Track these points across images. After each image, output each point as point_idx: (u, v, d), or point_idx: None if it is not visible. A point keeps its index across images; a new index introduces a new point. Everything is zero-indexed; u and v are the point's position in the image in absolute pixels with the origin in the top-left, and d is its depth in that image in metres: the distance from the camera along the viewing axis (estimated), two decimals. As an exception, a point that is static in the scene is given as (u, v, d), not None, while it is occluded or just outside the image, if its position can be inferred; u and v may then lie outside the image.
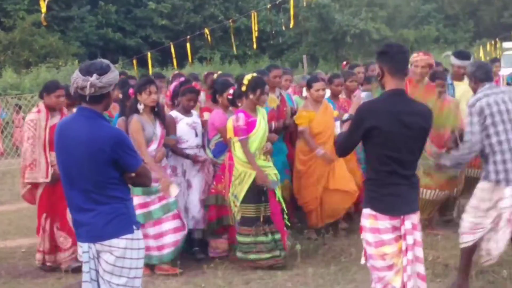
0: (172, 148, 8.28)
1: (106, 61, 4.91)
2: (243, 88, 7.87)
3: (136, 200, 7.34)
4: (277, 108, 9.17)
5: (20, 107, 21.58)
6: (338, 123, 8.77)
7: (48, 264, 8.18)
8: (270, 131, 8.51)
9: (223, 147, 8.40)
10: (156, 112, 7.97)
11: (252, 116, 7.86)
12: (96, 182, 4.77)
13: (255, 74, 8.14)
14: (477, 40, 46.02)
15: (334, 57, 42.84)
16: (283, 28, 24.17)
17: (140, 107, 7.79)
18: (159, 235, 7.83)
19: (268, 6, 30.34)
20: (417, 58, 8.78)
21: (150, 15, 42.12)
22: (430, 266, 7.63)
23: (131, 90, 7.93)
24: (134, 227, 4.90)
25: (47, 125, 8.05)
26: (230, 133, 7.92)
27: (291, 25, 21.79)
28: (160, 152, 7.91)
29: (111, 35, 40.48)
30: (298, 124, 9.02)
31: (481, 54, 32.75)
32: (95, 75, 4.71)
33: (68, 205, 5.01)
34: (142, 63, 27.38)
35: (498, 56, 31.57)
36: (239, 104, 8.17)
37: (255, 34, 21.24)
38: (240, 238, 7.92)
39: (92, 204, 4.79)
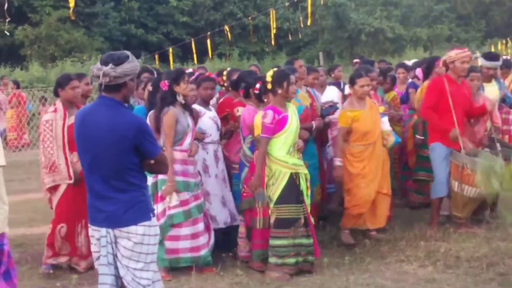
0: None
1: (126, 52, 4.91)
2: (269, 86, 7.37)
3: (177, 197, 7.31)
4: (310, 106, 8.73)
5: (46, 100, 21.67)
6: (385, 118, 8.62)
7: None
8: (310, 132, 8.31)
9: None
10: (185, 104, 7.49)
11: (283, 112, 7.29)
12: (116, 169, 4.81)
13: (275, 68, 7.67)
14: (488, 40, 45.74)
15: (349, 54, 42.62)
16: (301, 25, 24.10)
17: (180, 98, 7.36)
18: (196, 235, 7.43)
19: (287, 4, 30.32)
20: (462, 54, 8.52)
21: (172, 12, 42.11)
22: (442, 257, 7.63)
23: (163, 84, 7.40)
24: (151, 214, 4.96)
25: (65, 124, 7.52)
26: (258, 130, 7.40)
27: (309, 23, 21.75)
28: (195, 145, 7.55)
29: (133, 31, 40.49)
30: (340, 124, 8.37)
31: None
32: (110, 65, 4.75)
33: (88, 191, 5.01)
34: (163, 59, 27.44)
35: (509, 56, 31.43)
36: (265, 100, 7.65)
37: (273, 32, 21.24)
38: (274, 242, 7.27)
39: (111, 192, 4.84)
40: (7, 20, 19.07)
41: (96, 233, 4.95)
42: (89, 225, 5.06)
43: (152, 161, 4.97)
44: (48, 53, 35.76)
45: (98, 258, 4.98)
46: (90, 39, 37.42)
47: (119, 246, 4.90)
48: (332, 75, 12.12)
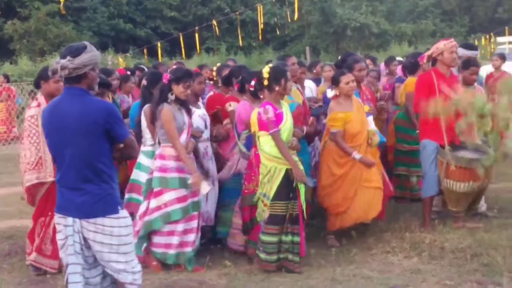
0: None
1: (84, 43, 4.95)
2: (265, 82, 7.13)
3: (174, 194, 7.16)
4: (303, 104, 8.58)
5: (35, 93, 21.60)
6: (370, 118, 8.45)
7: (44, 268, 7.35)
8: (304, 132, 8.14)
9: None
10: (181, 101, 7.30)
11: (278, 109, 7.12)
12: (87, 157, 4.84)
13: (271, 65, 7.41)
14: (472, 35, 45.83)
15: (335, 49, 42.62)
16: (289, 20, 24.19)
17: (171, 97, 7.18)
18: (186, 232, 7.28)
19: (273, -1, 30.33)
20: (450, 44, 8.38)
21: (160, 7, 42.07)
22: (427, 248, 7.66)
23: (166, 76, 7.25)
24: (119, 207, 5.00)
25: None
26: (254, 127, 7.24)
27: (296, 17, 21.74)
28: (191, 142, 7.33)
29: (122, 25, 40.39)
30: (331, 127, 8.08)
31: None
32: (68, 57, 4.79)
33: (57, 181, 5.03)
34: (152, 53, 27.42)
35: (492, 50, 31.49)
36: (261, 96, 7.41)
37: (261, 26, 21.23)
38: (265, 238, 7.17)
39: (81, 182, 4.87)
40: (-2, 14, 19.03)
41: (63, 220, 4.97)
42: (55, 212, 5.07)
43: (122, 145, 5.01)
44: (37, 48, 35.63)
45: (62, 246, 5.01)
46: (79, 34, 37.26)
47: (88, 239, 4.94)
48: (314, 71, 12.06)
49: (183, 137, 7.22)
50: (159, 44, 22.58)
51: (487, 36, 33.61)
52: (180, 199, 7.18)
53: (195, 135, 7.60)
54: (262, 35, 23.38)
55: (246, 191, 7.65)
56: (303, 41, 43.81)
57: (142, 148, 7.72)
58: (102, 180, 4.91)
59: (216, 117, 8.44)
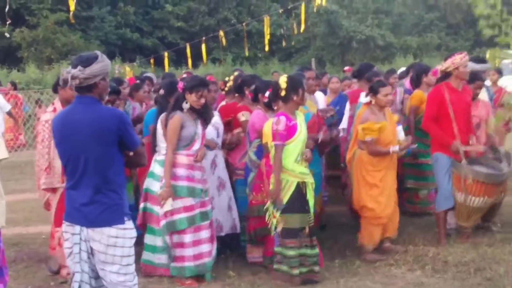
0: None
1: (96, 53, 4.95)
2: (283, 93, 7.04)
3: (180, 202, 7.08)
4: (316, 113, 8.62)
5: (42, 101, 21.65)
6: (399, 127, 8.34)
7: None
8: (317, 143, 8.15)
9: None
10: (200, 111, 7.21)
11: (293, 119, 7.03)
12: (98, 165, 4.84)
13: (287, 75, 7.38)
14: (477, 49, 45.88)
15: (341, 61, 42.64)
16: (295, 32, 24.16)
17: (186, 106, 7.12)
18: (198, 242, 7.17)
19: (280, 11, 30.31)
20: (465, 58, 8.30)
21: (167, 17, 42.10)
22: (430, 262, 7.64)
23: (180, 85, 7.20)
24: (125, 218, 4.97)
25: None
26: (267, 138, 7.16)
27: (302, 29, 21.75)
28: (202, 151, 7.23)
29: (129, 35, 40.44)
30: (366, 135, 7.86)
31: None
32: (79, 67, 4.79)
33: (67, 189, 5.04)
34: (158, 63, 27.44)
35: (497, 65, 31.49)
36: (275, 108, 7.44)
37: (267, 38, 21.23)
38: (285, 252, 7.03)
39: (91, 191, 4.86)
40: (8, 22, 19.04)
41: (70, 228, 4.97)
42: (64, 220, 5.07)
43: (132, 153, 5.02)
44: (45, 56, 35.68)
45: (69, 254, 5.00)
46: (86, 42, 37.32)
47: (93, 248, 4.93)
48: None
49: (196, 146, 7.17)
50: (166, 54, 22.59)
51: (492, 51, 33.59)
52: (187, 208, 7.09)
53: (210, 146, 7.64)
54: (268, 46, 23.35)
55: (254, 202, 7.61)
56: (309, 52, 43.81)
57: (156, 156, 7.62)
58: (112, 189, 4.91)
59: (228, 126, 8.37)
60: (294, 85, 7.07)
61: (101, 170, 4.86)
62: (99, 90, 4.94)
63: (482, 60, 9.95)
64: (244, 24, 29.64)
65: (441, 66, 8.53)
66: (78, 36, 37.32)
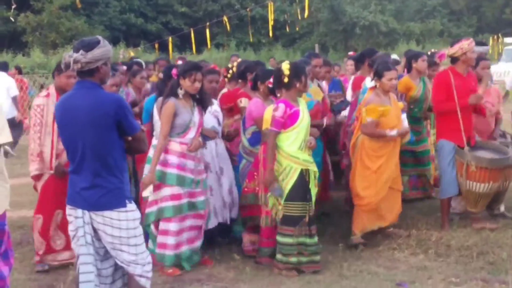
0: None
1: (97, 38, 4.97)
2: (285, 79, 6.84)
3: (169, 190, 6.87)
4: (322, 101, 8.35)
5: (47, 86, 21.65)
6: (404, 115, 8.14)
7: (50, 263, 7.21)
8: (321, 128, 7.98)
9: (260, 137, 7.29)
10: (198, 98, 7.01)
11: (295, 106, 6.84)
12: (98, 148, 4.88)
13: (290, 61, 7.17)
14: (480, 35, 45.78)
15: (344, 47, 42.65)
16: (299, 18, 24.16)
17: (181, 92, 6.87)
18: (180, 232, 6.97)
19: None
20: (472, 44, 8.20)
21: (171, 2, 42.14)
22: (433, 246, 7.64)
23: (174, 71, 6.97)
24: (127, 201, 5.01)
25: None
26: (266, 124, 6.90)
27: (306, 15, 21.73)
28: (197, 141, 6.95)
29: (133, 20, 40.48)
30: (367, 116, 7.70)
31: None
32: (81, 51, 4.81)
33: (70, 173, 5.07)
34: (162, 48, 27.43)
35: (500, 51, 31.42)
36: (278, 95, 7.12)
37: (271, 23, 21.20)
38: (281, 239, 6.91)
39: (92, 175, 4.91)
40: (13, 7, 19.03)
41: (73, 212, 5.01)
42: (67, 204, 5.09)
43: (130, 138, 5.03)
44: (50, 40, 35.75)
45: (74, 237, 5.05)
46: (90, 27, 37.37)
47: (99, 232, 4.98)
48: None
49: (191, 134, 6.94)
50: (170, 39, 22.57)
51: (495, 37, 33.57)
52: (174, 197, 6.88)
53: (209, 136, 7.32)
54: (272, 32, 23.33)
55: (246, 189, 7.44)
56: (312, 38, 43.82)
57: (153, 141, 7.46)
58: (112, 173, 4.93)
59: (230, 112, 8.18)
60: (297, 72, 6.91)
61: (101, 155, 4.88)
62: (100, 74, 4.95)
63: (483, 43, 9.92)
64: (248, 9, 29.59)
65: (448, 51, 8.44)
66: (83, 21, 37.38)
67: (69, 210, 5.06)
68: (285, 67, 6.90)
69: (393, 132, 7.72)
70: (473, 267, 7.02)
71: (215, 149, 7.66)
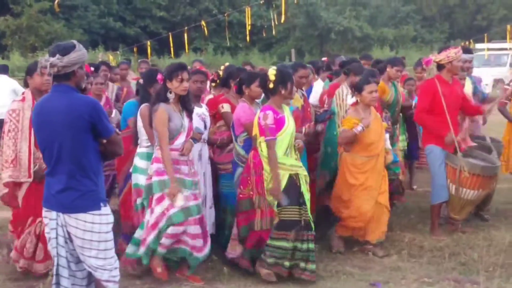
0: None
1: (73, 42, 4.96)
2: (271, 85, 6.65)
3: (181, 196, 6.49)
4: (301, 108, 8.00)
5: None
6: (386, 135, 8.00)
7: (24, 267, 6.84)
8: (303, 133, 7.62)
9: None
10: (184, 102, 6.66)
11: (280, 113, 6.69)
12: (73, 152, 4.85)
13: (275, 67, 6.88)
14: (452, 41, 46.10)
15: (319, 51, 42.75)
16: (275, 23, 24.12)
17: (171, 96, 6.53)
18: (196, 236, 6.64)
19: (261, 1, 30.32)
20: (459, 52, 8.13)
21: (149, 6, 41.99)
22: (407, 247, 7.72)
23: (159, 76, 6.66)
24: (102, 204, 4.99)
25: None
26: (256, 130, 6.76)
27: (282, 20, 21.75)
28: (189, 143, 6.63)
29: (112, 24, 40.30)
30: (344, 127, 7.58)
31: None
32: (57, 55, 4.81)
33: (46, 175, 5.05)
34: (141, 51, 27.38)
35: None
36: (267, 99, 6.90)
37: (248, 28, 21.22)
38: (276, 243, 6.64)
39: (66, 178, 4.88)
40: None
41: (48, 214, 5.00)
42: (43, 206, 5.08)
43: (105, 141, 5.02)
44: (29, 44, 35.56)
45: (49, 239, 5.04)
46: (69, 31, 37.19)
47: (71, 234, 4.96)
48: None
49: (181, 139, 6.59)
50: (148, 43, 22.51)
51: (466, 43, 33.79)
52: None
53: (195, 137, 6.88)
54: (249, 36, 23.36)
55: (241, 195, 7.06)
56: (288, 43, 43.92)
57: (138, 149, 7.13)
58: (87, 175, 4.91)
59: (214, 119, 7.84)
60: (283, 78, 6.70)
61: (75, 157, 4.87)
62: (76, 78, 4.95)
63: (469, 50, 9.99)
64: (225, 14, 29.60)
65: (434, 57, 8.33)
66: (62, 25, 37.20)
67: (44, 212, 5.06)
68: (271, 72, 6.71)
69: (359, 128, 7.42)
70: (445, 268, 7.10)
71: (198, 152, 7.30)
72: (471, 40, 31.89)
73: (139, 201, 6.92)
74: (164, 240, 6.51)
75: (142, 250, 6.54)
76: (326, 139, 8.42)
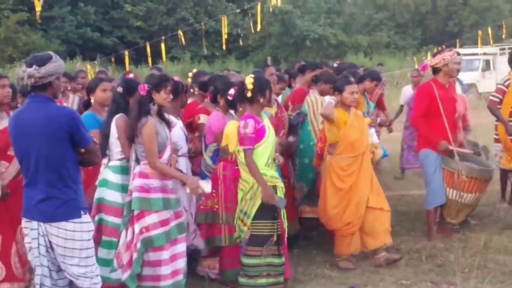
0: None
1: (49, 53, 4.94)
2: (249, 94, 6.31)
3: (156, 216, 5.93)
4: (275, 115, 7.77)
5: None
6: (372, 130, 7.75)
7: None
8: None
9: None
10: (161, 113, 6.20)
11: (261, 122, 6.36)
12: (52, 161, 4.84)
13: (253, 75, 6.51)
14: (424, 47, 46.50)
15: (295, 59, 42.87)
16: (252, 31, 24.15)
17: (154, 107, 6.06)
18: (174, 258, 6.06)
19: (237, 11, 30.38)
20: (455, 55, 7.99)
21: (126, 16, 41.87)
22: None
23: (144, 87, 6.04)
24: (82, 212, 4.97)
25: None
26: (227, 140, 6.61)
27: (258, 29, 21.81)
28: (173, 158, 6.23)
29: (89, 34, 40.12)
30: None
31: (429, 58, 33.14)
32: (34, 66, 4.79)
33: (24, 186, 5.01)
34: (118, 61, 27.31)
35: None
36: (240, 108, 6.74)
37: (225, 37, 21.24)
38: (247, 260, 6.35)
39: (46, 187, 4.86)
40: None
41: (28, 224, 4.97)
42: (22, 216, 5.04)
43: (83, 150, 4.99)
44: (6, 55, 35.30)
45: (30, 249, 5.01)
46: (47, 42, 36.95)
47: (52, 243, 4.94)
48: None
49: (167, 153, 6.10)
50: (126, 53, 22.45)
51: (439, 48, 34.04)
52: (163, 222, 5.98)
53: (175, 149, 6.51)
54: (225, 45, 23.40)
55: (202, 207, 6.85)
56: (264, 51, 43.97)
57: (110, 163, 6.51)
58: (66, 184, 4.90)
59: (190, 128, 7.53)
60: (261, 86, 6.37)
61: (55, 167, 4.85)
62: (53, 89, 4.93)
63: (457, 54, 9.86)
64: (202, 24, 29.62)
65: (430, 62, 8.24)
66: (40, 36, 36.93)
67: (24, 222, 5.02)
68: (249, 81, 6.37)
69: (331, 99, 7.24)
70: (422, 270, 7.13)
71: (186, 166, 6.95)
72: (443, 46, 32.17)
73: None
74: (146, 270, 5.98)
75: (126, 274, 5.98)
76: (302, 150, 8.17)
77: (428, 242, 7.95)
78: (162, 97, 6.09)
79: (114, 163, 6.46)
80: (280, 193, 6.40)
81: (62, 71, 5.01)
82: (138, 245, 5.93)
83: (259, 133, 6.30)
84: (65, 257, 4.94)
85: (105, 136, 6.48)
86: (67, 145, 4.87)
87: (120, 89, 6.63)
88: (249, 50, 45.21)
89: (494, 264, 7.16)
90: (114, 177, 6.40)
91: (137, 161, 6.15)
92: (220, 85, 7.29)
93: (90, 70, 21.45)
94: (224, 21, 21.31)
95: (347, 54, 42.94)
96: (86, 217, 5.00)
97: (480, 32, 26.96)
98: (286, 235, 6.55)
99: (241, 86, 6.51)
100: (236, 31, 39.33)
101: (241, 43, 35.55)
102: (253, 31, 27.08)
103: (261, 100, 6.36)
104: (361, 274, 7.08)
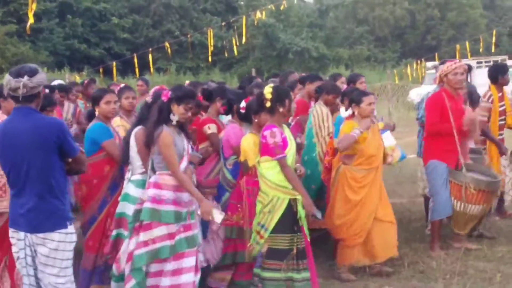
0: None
1: (33, 65, 4.94)
2: (268, 104, 6.06)
3: (165, 229, 5.69)
4: None
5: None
6: (387, 133, 7.48)
7: None
8: None
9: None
10: (181, 125, 5.95)
11: (283, 132, 6.09)
12: (40, 172, 4.82)
13: (272, 85, 6.30)
14: (404, 60, 46.85)
15: (278, 71, 42.95)
16: (236, 44, 24.20)
17: (174, 118, 5.79)
18: (178, 272, 5.73)
19: (223, 24, 30.46)
20: (453, 66, 7.80)
21: (113, 29, 41.79)
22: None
23: (166, 94, 5.84)
24: (68, 222, 4.96)
25: None
26: (245, 154, 6.41)
27: (243, 41, 21.88)
28: (190, 170, 5.98)
29: (77, 45, 39.97)
30: (344, 132, 7.05)
31: (408, 71, 33.45)
32: (26, 77, 4.76)
33: (11, 196, 5.01)
34: (105, 72, 27.30)
35: (423, 75, 32.07)
36: (256, 120, 6.50)
37: (210, 49, 21.29)
38: (266, 274, 6.05)
39: (34, 198, 4.83)
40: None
41: (16, 234, 4.97)
42: (9, 227, 5.04)
43: (70, 160, 5.00)
44: (-5, 66, 35.09)
45: (17, 259, 5.02)
46: (35, 53, 36.78)
47: (37, 251, 4.92)
48: None
49: (183, 165, 5.85)
50: (114, 64, 22.46)
51: (418, 61, 34.32)
52: (171, 235, 5.72)
53: (193, 161, 6.23)
54: (210, 57, 23.47)
55: (227, 221, 6.60)
56: (248, 63, 44.03)
57: (132, 177, 6.36)
58: (54, 195, 4.89)
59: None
60: (280, 95, 6.08)
61: (43, 178, 4.84)
62: (39, 100, 4.94)
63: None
64: (188, 36, 29.68)
65: (439, 73, 8.05)
66: (28, 47, 36.77)
67: (11, 232, 5.01)
68: (267, 90, 6.10)
69: (356, 131, 6.93)
70: (405, 276, 7.18)
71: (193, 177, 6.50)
72: (422, 59, 32.41)
73: (115, 232, 6.35)
74: (150, 281, 5.75)
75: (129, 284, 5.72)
76: (305, 161, 7.94)
77: (410, 249, 7.98)
78: (180, 111, 5.83)
79: (136, 177, 6.32)
80: (301, 206, 6.10)
81: (46, 83, 5.03)
82: (137, 253, 5.70)
83: (283, 144, 6.06)
84: (46, 266, 4.92)
85: (127, 143, 6.37)
86: (56, 155, 4.87)
87: (149, 99, 6.52)
88: (233, 62, 45.23)
89: (474, 270, 7.21)
90: (136, 192, 6.23)
91: (153, 170, 5.93)
92: (235, 96, 7.15)
93: (78, 80, 21.44)
94: (210, 33, 21.37)
95: (329, 66, 43.12)
96: (71, 228, 5.00)
97: (458, 46, 27.16)
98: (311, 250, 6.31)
99: (260, 96, 6.25)
100: (221, 43, 39.39)
101: (226, 55, 35.50)
102: (237, 44, 27.11)
103: (281, 109, 6.06)
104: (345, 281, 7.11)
